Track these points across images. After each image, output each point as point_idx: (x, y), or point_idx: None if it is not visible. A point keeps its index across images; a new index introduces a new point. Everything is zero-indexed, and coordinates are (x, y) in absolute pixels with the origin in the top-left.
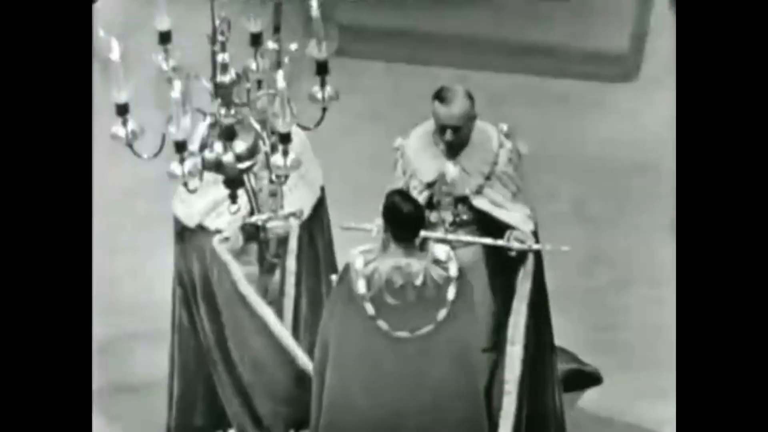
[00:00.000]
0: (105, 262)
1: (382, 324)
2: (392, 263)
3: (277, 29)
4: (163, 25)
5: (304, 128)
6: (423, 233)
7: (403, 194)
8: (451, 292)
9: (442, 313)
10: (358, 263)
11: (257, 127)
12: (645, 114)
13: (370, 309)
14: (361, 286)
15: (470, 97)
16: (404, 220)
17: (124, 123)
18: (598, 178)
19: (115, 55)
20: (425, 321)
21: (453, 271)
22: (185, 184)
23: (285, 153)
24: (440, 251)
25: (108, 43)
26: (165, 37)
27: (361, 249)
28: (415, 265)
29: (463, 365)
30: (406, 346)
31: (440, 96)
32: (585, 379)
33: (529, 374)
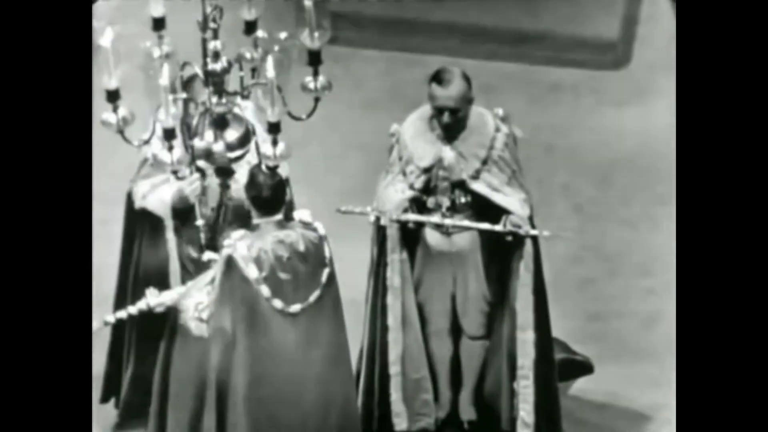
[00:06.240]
0: (104, 252)
1: (278, 303)
2: (273, 239)
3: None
4: (158, 11)
5: (296, 118)
6: (419, 217)
7: (265, 169)
8: (327, 250)
9: (325, 274)
10: (242, 250)
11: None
12: (638, 101)
13: (266, 291)
14: (252, 271)
15: (467, 79)
16: (260, 190)
17: (115, 109)
18: (590, 166)
19: (106, 41)
20: (313, 286)
21: (321, 229)
22: (174, 172)
23: (275, 143)
24: (304, 214)
25: (100, 29)
26: (159, 24)
27: (235, 237)
28: (292, 234)
29: (340, 326)
30: (301, 319)
31: (438, 78)
32: (576, 368)
33: (541, 358)
